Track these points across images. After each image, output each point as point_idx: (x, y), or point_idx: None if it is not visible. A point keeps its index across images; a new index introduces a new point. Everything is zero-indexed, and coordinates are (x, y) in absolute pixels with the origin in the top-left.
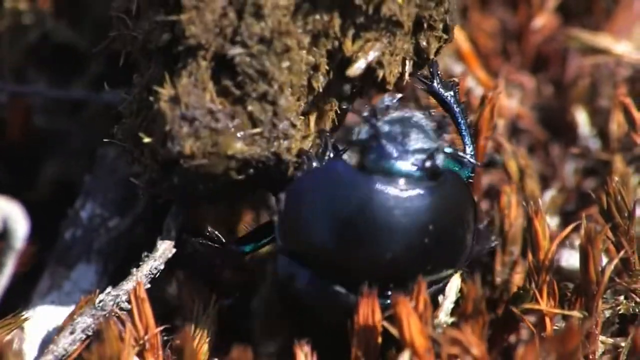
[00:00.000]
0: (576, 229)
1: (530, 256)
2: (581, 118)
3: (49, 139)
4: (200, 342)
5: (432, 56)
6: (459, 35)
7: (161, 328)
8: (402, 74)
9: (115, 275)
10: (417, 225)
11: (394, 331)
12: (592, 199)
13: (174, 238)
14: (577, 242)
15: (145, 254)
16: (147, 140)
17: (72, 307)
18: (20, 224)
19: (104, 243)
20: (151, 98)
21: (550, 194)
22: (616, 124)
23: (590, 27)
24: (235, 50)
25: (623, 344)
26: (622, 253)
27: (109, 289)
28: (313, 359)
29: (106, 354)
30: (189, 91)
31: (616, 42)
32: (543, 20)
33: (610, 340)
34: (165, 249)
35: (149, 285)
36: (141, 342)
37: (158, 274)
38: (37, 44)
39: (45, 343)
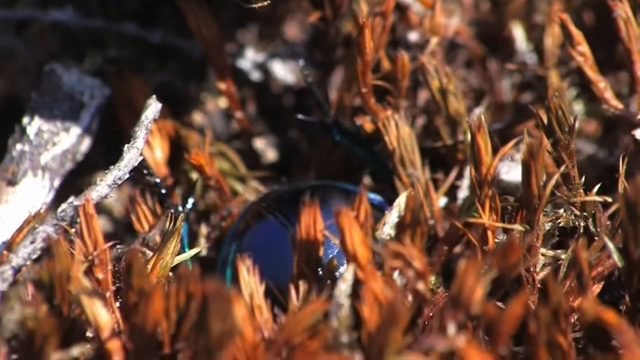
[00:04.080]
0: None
1: (472, 171)
2: (518, 33)
3: None
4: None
5: None
6: None
7: (110, 244)
8: None
9: (61, 190)
10: None
11: (335, 241)
12: (529, 113)
13: (141, 146)
14: (517, 155)
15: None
16: None
17: (19, 222)
18: None
19: (51, 159)
20: None
21: (479, 110)
22: (551, 39)
23: None
24: None
25: (563, 257)
26: (563, 167)
27: (71, 199)
28: (255, 272)
29: (56, 269)
30: None
31: None
32: None
33: (550, 253)
34: (131, 157)
35: (113, 195)
36: (90, 258)
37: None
38: None
39: None
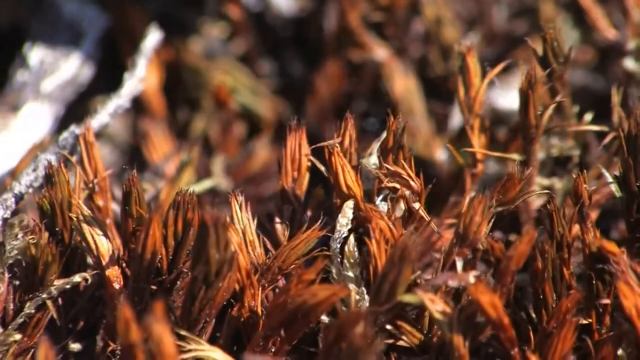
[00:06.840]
0: (506, 70)
1: (461, 93)
2: None
3: None
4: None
5: None
6: None
7: (110, 172)
8: None
9: (64, 118)
10: None
11: (320, 167)
12: (524, 42)
13: (142, 74)
14: (512, 83)
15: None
16: None
17: (21, 150)
18: None
19: (52, 87)
20: None
21: (473, 39)
22: None
23: None
24: None
25: (558, 186)
26: (558, 97)
27: (72, 127)
28: (247, 208)
29: (57, 197)
30: None
31: None
32: None
33: (546, 182)
34: (131, 86)
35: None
36: (90, 185)
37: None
38: None
39: None
